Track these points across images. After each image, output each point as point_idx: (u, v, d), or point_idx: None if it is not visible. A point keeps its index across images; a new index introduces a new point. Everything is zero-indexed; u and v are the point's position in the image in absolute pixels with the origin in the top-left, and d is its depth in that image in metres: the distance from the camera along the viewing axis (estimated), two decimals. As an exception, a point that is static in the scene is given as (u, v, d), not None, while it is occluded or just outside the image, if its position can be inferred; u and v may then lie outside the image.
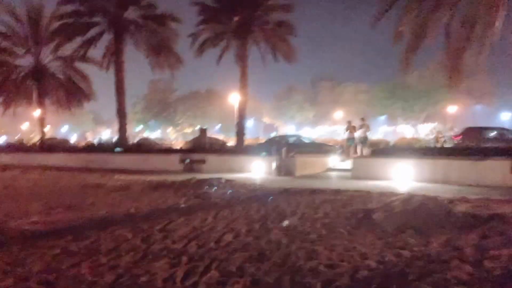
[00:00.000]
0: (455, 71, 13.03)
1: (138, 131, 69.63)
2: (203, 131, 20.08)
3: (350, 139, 17.87)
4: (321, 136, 62.88)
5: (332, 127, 70.64)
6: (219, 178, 10.20)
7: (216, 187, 9.23)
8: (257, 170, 14.85)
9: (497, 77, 48.60)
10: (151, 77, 64.78)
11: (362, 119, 17.59)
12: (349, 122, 18.62)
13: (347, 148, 18.17)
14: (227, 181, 10.12)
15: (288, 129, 70.91)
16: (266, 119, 71.16)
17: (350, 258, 4.01)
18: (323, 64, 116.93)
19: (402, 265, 3.82)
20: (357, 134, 17.07)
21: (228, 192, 8.53)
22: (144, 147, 21.23)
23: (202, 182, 10.01)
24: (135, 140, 29.67)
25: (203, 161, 16.28)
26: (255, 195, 8.17)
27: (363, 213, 6.13)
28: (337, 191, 8.44)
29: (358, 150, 16.99)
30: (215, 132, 61.64)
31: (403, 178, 11.63)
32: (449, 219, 5.34)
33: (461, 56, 12.67)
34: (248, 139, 26.07)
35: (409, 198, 6.42)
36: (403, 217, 5.62)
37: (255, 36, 19.83)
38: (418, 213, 5.65)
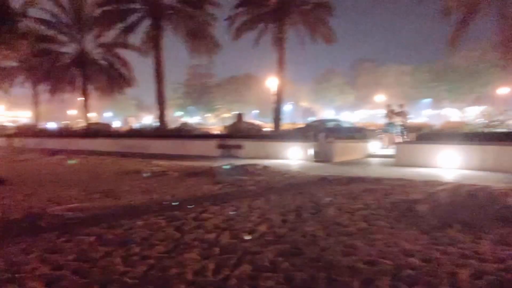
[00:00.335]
0: (510, 46, 12.04)
1: (178, 117, 71.03)
2: (239, 116, 19.97)
3: (390, 125, 16.87)
4: (362, 120, 61.40)
5: (373, 111, 68.72)
6: (255, 165, 10.05)
7: (252, 174, 9.09)
8: (295, 156, 14.59)
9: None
10: (190, 63, 65.40)
11: (401, 106, 16.60)
12: (389, 106, 17.55)
13: (385, 135, 17.21)
14: (263, 167, 9.96)
15: (326, 113, 69.70)
16: (305, 103, 70.16)
17: (391, 255, 3.73)
18: (364, 45, 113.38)
19: (449, 264, 3.50)
20: (396, 121, 16.28)
21: (264, 179, 8.35)
22: (184, 132, 21.42)
23: (238, 168, 9.91)
24: (175, 126, 30.12)
25: (240, 147, 16.20)
26: (290, 183, 7.95)
27: (406, 204, 5.77)
28: (377, 180, 8.05)
29: (397, 139, 16.04)
30: (253, 117, 61.63)
31: (449, 165, 11.00)
32: (503, 213, 4.89)
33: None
34: (286, 123, 25.75)
35: (456, 188, 5.98)
36: (450, 210, 5.22)
37: (293, 18, 19.26)
38: (467, 206, 5.23)
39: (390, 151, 14.59)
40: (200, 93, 66.40)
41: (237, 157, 15.92)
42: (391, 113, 16.80)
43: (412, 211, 5.47)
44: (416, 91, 55.03)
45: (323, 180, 8.09)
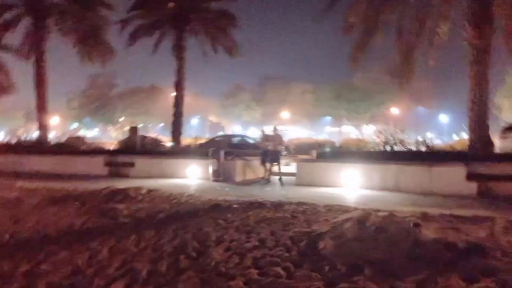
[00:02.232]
0: (405, 69, 12.27)
1: (74, 129, 65.08)
2: (133, 130, 18.00)
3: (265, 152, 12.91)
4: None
5: (279, 127, 70.26)
6: (139, 188, 8.47)
7: (131, 201, 7.52)
8: (194, 175, 13.23)
9: (436, 81, 50.36)
10: (91, 72, 60.46)
11: (274, 129, 13.02)
12: (262, 132, 14.14)
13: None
14: (148, 191, 8.42)
15: (234, 128, 69.56)
16: (213, 118, 69.23)
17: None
18: (272, 63, 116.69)
19: None
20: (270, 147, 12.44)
21: (144, 208, 6.85)
22: (68, 148, 18.70)
23: (116, 193, 8.23)
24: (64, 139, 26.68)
25: (131, 164, 14.34)
26: (176, 212, 6.57)
27: (307, 239, 4.77)
28: (278, 205, 7.06)
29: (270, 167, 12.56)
30: (158, 131, 58.82)
31: (351, 184, 10.57)
32: (418, 251, 4.10)
33: (412, 54, 11.90)
34: (188, 138, 24.26)
35: (363, 218, 5.15)
36: (359, 248, 4.32)
37: (193, 26, 18.07)
38: (378, 242, 4.38)
39: (293, 168, 13.99)
40: (99, 104, 61.61)
41: (127, 177, 14.04)
42: (265, 139, 13.28)
43: (314, 249, 4.48)
44: (318, 109, 57.43)
45: (216, 208, 6.85)
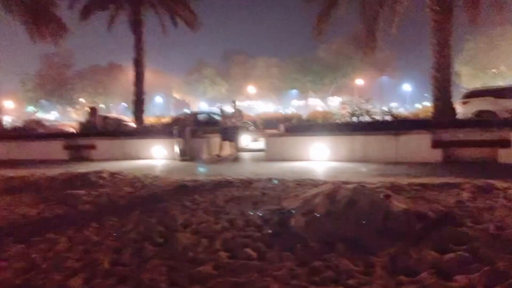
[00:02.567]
0: (368, 38, 12.18)
1: (31, 113, 62.11)
2: (92, 110, 17.17)
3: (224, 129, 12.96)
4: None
5: (246, 102, 69.87)
6: (100, 172, 8.06)
7: (92, 186, 7.13)
8: (159, 155, 12.83)
9: (398, 50, 51.14)
10: (45, 52, 57.16)
11: (233, 103, 12.87)
12: (220, 107, 14.27)
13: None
14: (110, 174, 8.04)
15: (200, 105, 68.57)
16: (177, 95, 67.80)
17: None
18: (235, 38, 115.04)
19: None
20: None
21: (106, 193, 6.49)
22: (25, 132, 17.71)
23: (76, 178, 7.80)
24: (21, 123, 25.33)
25: (92, 147, 13.74)
26: (140, 196, 6.27)
27: (278, 216, 4.63)
28: (247, 182, 6.88)
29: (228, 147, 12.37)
30: (121, 111, 57.03)
31: (319, 157, 10.56)
32: (389, 223, 4.04)
33: (375, 22, 11.78)
34: (152, 117, 23.54)
35: (333, 191, 5.05)
36: (330, 223, 4.21)
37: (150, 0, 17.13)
38: (349, 216, 4.29)
39: (262, 144, 13.85)
40: (56, 85, 58.75)
41: (89, 160, 13.48)
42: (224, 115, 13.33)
43: (285, 226, 4.34)
44: (284, 82, 57.27)
45: (183, 189, 6.59)
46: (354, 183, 6.32)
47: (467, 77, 40.66)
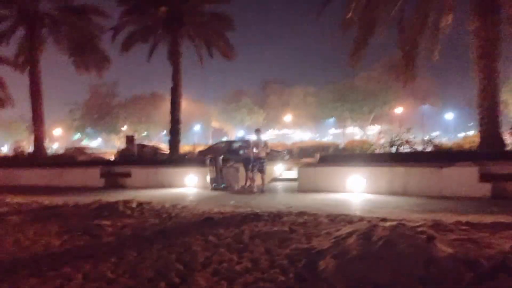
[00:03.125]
0: (408, 65, 11.69)
1: (77, 140, 64.95)
2: (129, 139, 17.47)
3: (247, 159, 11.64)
4: (271, 140, 61.75)
5: (282, 131, 69.75)
6: (128, 201, 7.94)
7: (119, 216, 7.00)
8: (191, 184, 12.71)
9: (440, 78, 49.62)
10: (93, 82, 60.24)
11: (257, 132, 11.58)
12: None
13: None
14: (139, 204, 7.90)
15: (238, 133, 69.08)
16: (215, 124, 68.76)
17: None
18: (273, 67, 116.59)
19: None
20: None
21: (131, 224, 6.32)
22: (65, 159, 18.27)
23: (105, 207, 7.72)
24: (66, 150, 26.33)
25: (127, 175, 13.85)
26: (165, 228, 6.02)
27: (305, 258, 4.22)
28: (276, 216, 6.49)
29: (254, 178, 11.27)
30: (162, 139, 58.41)
31: (356, 189, 10.00)
32: (433, 271, 3.53)
33: (415, 49, 11.32)
34: (186, 145, 23.74)
35: (369, 230, 4.59)
36: (364, 268, 3.76)
37: (187, 30, 17.54)
38: (386, 260, 3.81)
39: (295, 174, 13.45)
40: (101, 114, 61.30)
41: (124, 187, 13.57)
42: (247, 145, 12.31)
43: (314, 270, 3.92)
44: (321, 111, 56.72)
45: (208, 222, 6.29)
46: (393, 220, 5.81)
47: (515, 106, 38.53)
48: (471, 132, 41.20)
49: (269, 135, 70.70)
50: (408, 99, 49.36)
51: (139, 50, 19.35)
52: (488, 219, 5.78)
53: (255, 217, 6.49)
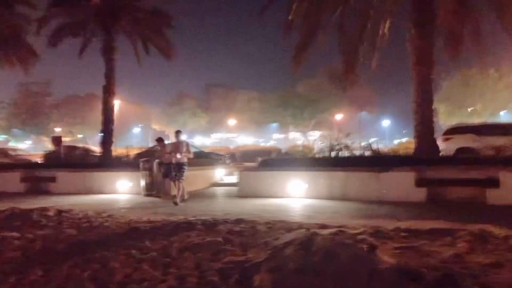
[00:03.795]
0: (348, 71, 11.75)
1: (2, 141, 59.85)
2: (56, 139, 16.02)
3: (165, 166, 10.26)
4: (215, 143, 61.09)
5: (226, 134, 69.33)
6: (45, 210, 7.06)
7: (32, 226, 6.12)
8: (124, 189, 11.84)
9: (376, 86, 51.94)
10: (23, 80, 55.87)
11: (177, 133, 10.04)
12: (160, 139, 11.38)
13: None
14: (58, 213, 7.04)
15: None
16: (157, 126, 66.76)
17: None
18: (217, 71, 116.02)
19: None
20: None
21: (44, 235, 5.51)
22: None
23: (17, 215, 6.78)
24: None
25: (52, 179, 12.63)
26: (84, 240, 5.30)
27: (239, 273, 3.77)
28: (211, 225, 5.99)
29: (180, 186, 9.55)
30: (98, 142, 55.48)
31: (296, 194, 9.78)
32: (375, 284, 3.24)
33: (355, 54, 11.41)
34: (119, 148, 22.48)
35: (308, 240, 4.25)
36: (302, 283, 3.39)
37: (123, 26, 16.44)
38: (326, 274, 3.47)
39: (236, 178, 13.04)
40: (31, 114, 57.08)
41: (48, 193, 12.35)
42: (163, 148, 10.73)
43: (248, 286, 3.49)
44: (264, 116, 57.04)
45: (134, 232, 5.65)
46: (332, 227, 5.56)
47: (445, 114, 41.12)
48: (405, 139, 43.41)
49: (213, 139, 70.04)
50: (347, 106, 51.12)
51: (76, 48, 17.90)
52: (426, 225, 5.70)
53: (188, 226, 5.94)
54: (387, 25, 11.74)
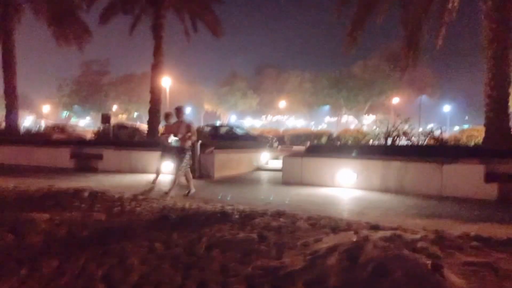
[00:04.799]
0: (410, 48, 10.55)
1: (65, 118, 63.38)
2: (105, 118, 16.15)
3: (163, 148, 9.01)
4: (264, 126, 60.65)
5: (276, 117, 68.57)
6: (81, 190, 6.85)
7: (63, 207, 5.89)
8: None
9: (438, 69, 48.58)
10: (86, 58, 58.46)
11: (177, 110, 8.11)
12: (167, 115, 9.46)
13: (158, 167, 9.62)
14: (92, 194, 6.80)
15: (231, 117, 67.90)
16: (208, 107, 67.34)
17: None
18: (269, 52, 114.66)
19: None
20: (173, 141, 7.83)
21: (69, 220, 5.22)
22: (39, 137, 17.04)
23: (51, 195, 6.62)
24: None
25: (99, 157, 12.71)
26: (109, 228, 4.93)
27: (269, 283, 3.16)
28: (247, 216, 5.42)
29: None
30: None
31: (346, 184, 8.97)
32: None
33: (419, 30, 10.18)
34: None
35: (355, 247, 3.55)
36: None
37: (171, 1, 16.06)
38: (376, 296, 2.78)
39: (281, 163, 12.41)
40: (90, 92, 59.69)
41: (95, 170, 12.45)
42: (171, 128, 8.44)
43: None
44: (316, 98, 55.52)
45: (163, 221, 5.21)
46: (386, 228, 4.78)
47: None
48: (466, 126, 40.40)
49: (263, 121, 69.61)
50: (405, 89, 48.31)
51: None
52: (500, 231, 4.77)
53: (222, 217, 5.41)
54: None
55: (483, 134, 14.67)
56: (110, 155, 12.69)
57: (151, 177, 10.15)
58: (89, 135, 23.85)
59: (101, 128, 16.51)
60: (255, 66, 71.53)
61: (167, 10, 15.95)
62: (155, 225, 5.02)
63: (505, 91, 9.47)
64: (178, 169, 7.73)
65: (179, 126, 7.89)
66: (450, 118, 53.87)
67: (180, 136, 7.79)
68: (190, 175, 8.09)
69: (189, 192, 7.84)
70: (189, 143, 7.88)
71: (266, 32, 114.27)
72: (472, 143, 15.12)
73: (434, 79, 51.24)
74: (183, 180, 7.99)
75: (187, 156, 7.83)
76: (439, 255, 3.55)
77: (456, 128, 47.33)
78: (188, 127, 7.85)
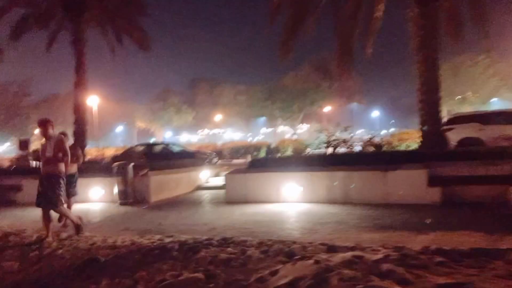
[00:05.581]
0: (345, 55, 10.59)
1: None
2: (23, 142, 14.39)
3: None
4: (201, 140, 59.67)
5: (212, 130, 67.84)
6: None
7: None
8: (97, 198, 10.55)
9: (364, 76, 51.08)
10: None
11: (43, 128, 5.96)
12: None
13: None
14: (3, 237, 5.75)
15: (166, 134, 66.04)
16: (141, 124, 64.86)
17: None
18: (202, 66, 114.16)
19: None
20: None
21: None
22: None
23: None
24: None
25: (18, 188, 11.27)
26: (19, 283, 4.03)
27: None
28: (190, 249, 4.76)
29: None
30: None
31: (292, 197, 8.61)
32: None
33: (351, 38, 10.23)
34: (93, 148, 20.98)
35: (321, 281, 3.09)
36: None
37: (93, 15, 14.88)
38: None
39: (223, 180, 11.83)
40: (9, 115, 54.80)
41: (13, 204, 11.01)
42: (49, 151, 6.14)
43: None
44: (252, 110, 55.79)
45: (90, 266, 4.39)
46: (345, 249, 4.40)
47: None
48: (392, 129, 42.66)
49: (200, 135, 68.53)
50: (336, 98, 50.11)
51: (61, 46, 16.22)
52: (458, 239, 4.60)
53: (161, 252, 4.71)
54: (382, 6, 10.60)
55: (413, 137, 15.26)
56: (30, 186, 11.23)
57: (77, 207, 9.06)
58: (6, 163, 21.51)
59: (19, 155, 14.80)
60: (188, 80, 70.46)
61: (88, 24, 14.79)
62: (80, 272, 4.19)
63: (436, 95, 9.78)
64: (55, 202, 5.86)
65: (46, 146, 5.97)
66: (380, 122, 56.85)
67: (47, 157, 5.89)
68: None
69: (78, 228, 6.09)
70: (61, 166, 5.93)
71: (198, 46, 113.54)
72: (404, 146, 15.64)
73: (362, 86, 53.80)
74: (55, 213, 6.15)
75: (58, 184, 5.91)
76: (409, 279, 3.20)
77: (384, 132, 49.87)
78: (59, 144, 5.90)
